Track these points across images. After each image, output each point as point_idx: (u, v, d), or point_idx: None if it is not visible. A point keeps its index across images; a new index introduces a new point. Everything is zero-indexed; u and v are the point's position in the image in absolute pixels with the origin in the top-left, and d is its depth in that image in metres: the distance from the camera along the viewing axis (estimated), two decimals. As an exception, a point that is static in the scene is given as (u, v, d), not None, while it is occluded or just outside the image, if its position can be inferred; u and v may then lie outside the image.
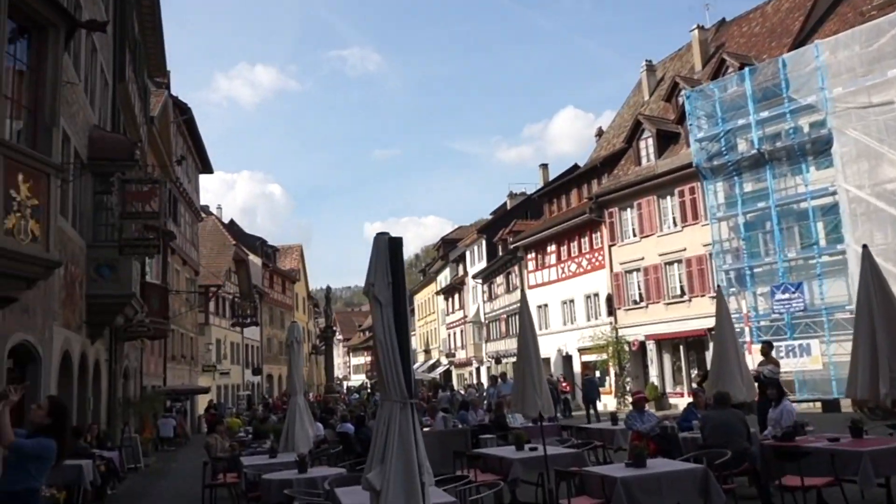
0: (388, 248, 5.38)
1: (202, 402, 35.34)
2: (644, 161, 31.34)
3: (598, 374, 33.56)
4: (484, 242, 47.05)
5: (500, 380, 20.61)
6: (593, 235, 33.51)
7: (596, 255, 33.18)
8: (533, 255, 38.48)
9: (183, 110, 32.82)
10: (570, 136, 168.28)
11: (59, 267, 7.51)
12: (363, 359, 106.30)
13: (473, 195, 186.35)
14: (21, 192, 6.80)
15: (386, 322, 5.25)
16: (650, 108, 35.00)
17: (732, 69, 27.55)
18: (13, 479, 4.93)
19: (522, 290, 8.69)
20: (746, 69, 25.61)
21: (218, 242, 46.85)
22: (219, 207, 59.23)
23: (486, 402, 20.40)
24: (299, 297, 69.68)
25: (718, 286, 11.35)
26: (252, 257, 51.19)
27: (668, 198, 29.37)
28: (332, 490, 6.86)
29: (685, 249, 28.30)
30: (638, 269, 30.61)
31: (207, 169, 40.64)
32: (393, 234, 5.41)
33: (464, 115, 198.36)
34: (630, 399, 30.43)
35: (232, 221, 61.04)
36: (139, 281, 16.26)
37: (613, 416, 12.50)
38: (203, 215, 45.00)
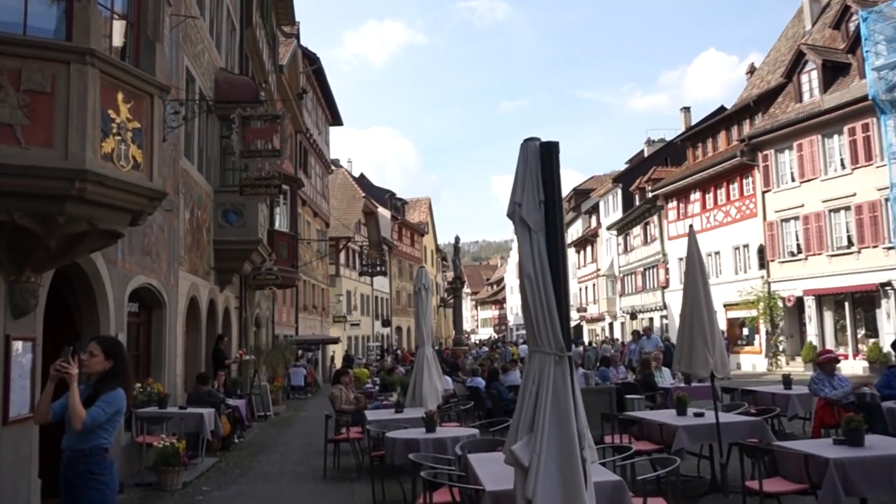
0: (538, 157, 4.12)
1: (337, 352, 35.95)
2: (806, 97, 27.87)
3: (745, 331, 31.12)
4: (619, 192, 44.54)
5: (643, 335, 18.95)
6: (744, 181, 30.54)
7: (746, 202, 30.25)
8: (674, 203, 35.82)
9: (312, 60, 32.67)
10: (711, 81, 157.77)
11: (165, 198, 6.80)
12: (491, 312, 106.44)
13: (606, 146, 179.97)
14: (120, 114, 6.09)
15: (536, 252, 4.02)
16: (812, 39, 31.08)
17: (919, -16, 23.67)
18: (82, 437, 4.19)
19: (691, 238, 7.20)
20: (940, -20, 21.83)
21: (347, 195, 47.32)
22: (349, 161, 59.94)
23: (626, 358, 18.87)
24: (427, 250, 69.93)
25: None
26: (381, 210, 51.44)
27: (836, 136, 25.99)
28: (465, 456, 5.82)
29: (854, 195, 25.00)
30: (796, 218, 27.55)
31: (337, 121, 40.68)
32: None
33: (594, 63, 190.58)
34: (782, 359, 28.26)
35: (362, 175, 61.63)
36: (266, 228, 15.96)
37: (787, 379, 10.71)
38: (333, 168, 45.45)
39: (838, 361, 9.26)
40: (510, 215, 4.13)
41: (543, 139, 4.13)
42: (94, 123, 5.64)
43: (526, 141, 4.16)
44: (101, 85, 5.79)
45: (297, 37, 31.20)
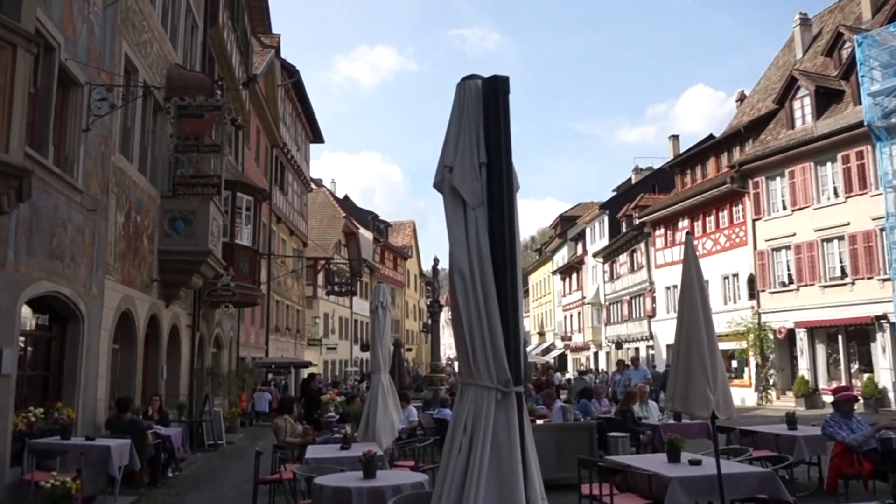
0: (480, 101, 2.85)
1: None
2: (798, 123, 27.03)
3: (735, 363, 29.93)
4: (606, 219, 43.49)
5: (629, 365, 17.63)
6: (734, 209, 29.56)
7: (737, 230, 29.22)
8: (662, 231, 34.77)
9: (291, 73, 31.51)
10: (699, 115, 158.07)
11: (27, 176, 5.45)
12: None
13: (593, 176, 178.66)
14: (-29, 67, 4.79)
15: (473, 238, 2.71)
16: (804, 67, 30.40)
17: (915, 10, 23.00)
18: None
19: (688, 248, 5.96)
20: (939, 4, 21.06)
21: (328, 215, 46.03)
22: (332, 182, 58.72)
23: (611, 390, 17.53)
24: (411, 274, 68.58)
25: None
26: (362, 231, 50.13)
27: (829, 164, 25.08)
28: (396, 517, 4.47)
29: (848, 224, 24.04)
30: (788, 247, 26.53)
31: (318, 138, 39.46)
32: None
33: (584, 95, 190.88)
34: (772, 392, 26.98)
35: (346, 196, 60.42)
36: (220, 239, 14.61)
37: (791, 418, 9.41)
38: (313, 186, 44.15)
39: (857, 400, 8.01)
40: (437, 185, 2.84)
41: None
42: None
43: (464, 80, 2.89)
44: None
45: (277, 49, 30.13)
